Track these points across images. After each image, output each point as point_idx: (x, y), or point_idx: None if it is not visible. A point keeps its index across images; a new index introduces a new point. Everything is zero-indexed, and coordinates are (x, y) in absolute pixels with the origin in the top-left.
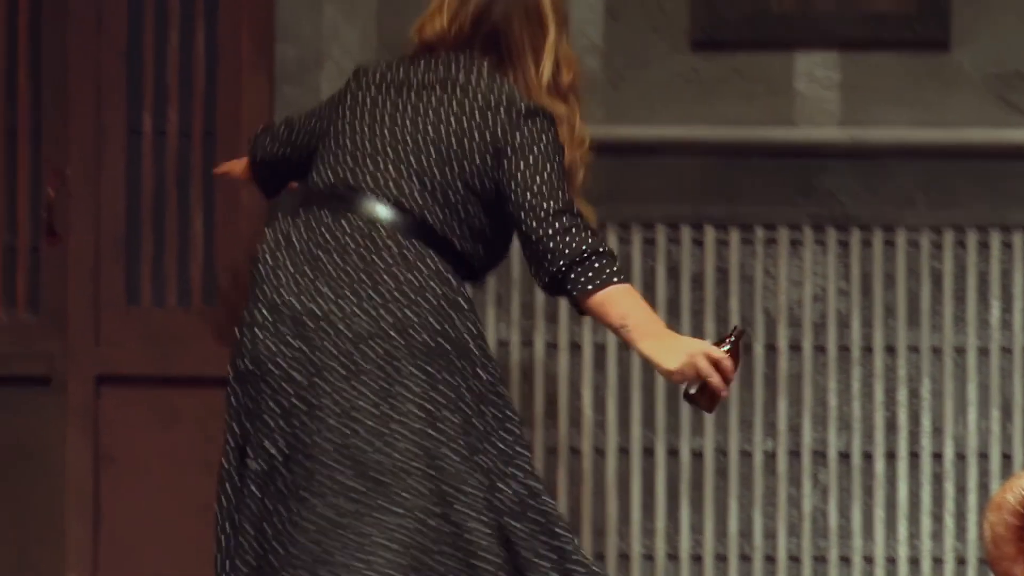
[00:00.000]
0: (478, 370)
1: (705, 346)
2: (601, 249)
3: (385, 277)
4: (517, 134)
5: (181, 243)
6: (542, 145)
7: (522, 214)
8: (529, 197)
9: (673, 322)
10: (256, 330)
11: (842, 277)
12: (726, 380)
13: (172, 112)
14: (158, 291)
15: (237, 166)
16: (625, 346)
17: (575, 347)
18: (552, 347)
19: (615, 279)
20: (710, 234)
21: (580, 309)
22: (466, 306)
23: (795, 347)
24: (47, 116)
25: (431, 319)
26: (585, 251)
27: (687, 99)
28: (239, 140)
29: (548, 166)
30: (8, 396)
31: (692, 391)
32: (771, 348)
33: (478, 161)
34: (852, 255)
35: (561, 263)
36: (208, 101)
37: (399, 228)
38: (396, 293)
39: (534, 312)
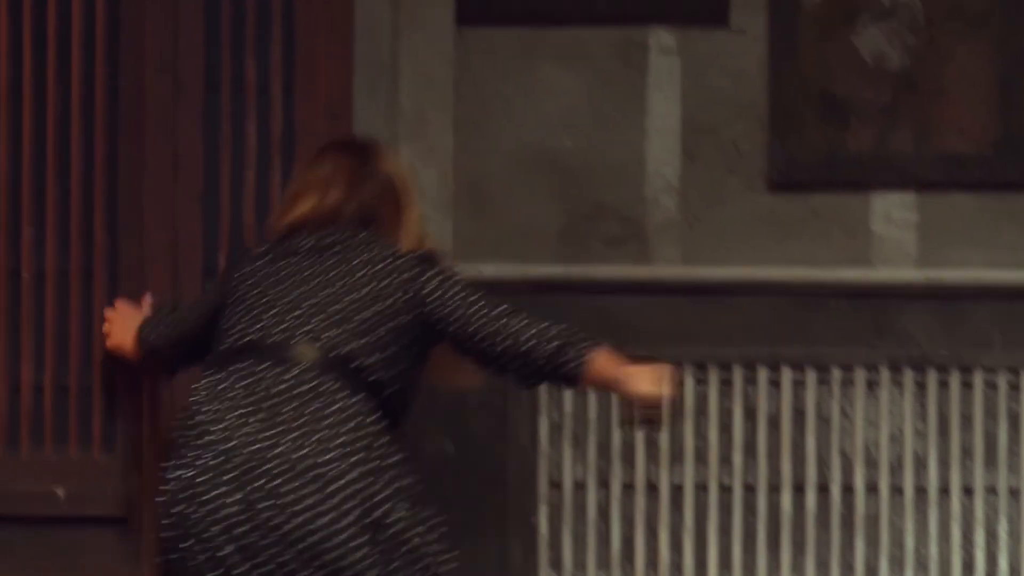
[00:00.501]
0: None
1: (654, 378)
2: (567, 328)
3: (344, 428)
4: (429, 273)
5: None
6: (456, 277)
7: (479, 332)
8: (477, 314)
9: (750, 462)
10: (206, 478)
11: (919, 418)
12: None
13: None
14: None
15: (126, 343)
16: (703, 486)
17: (652, 488)
18: (628, 488)
19: (594, 344)
20: (786, 375)
21: (574, 384)
22: (402, 459)
23: (872, 488)
24: (124, 259)
25: (388, 472)
26: (563, 333)
27: (763, 239)
28: None
29: (471, 288)
30: (83, 536)
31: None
32: (848, 489)
33: (398, 297)
34: (929, 396)
35: (550, 347)
36: None
37: (341, 377)
38: (357, 443)
39: (610, 453)
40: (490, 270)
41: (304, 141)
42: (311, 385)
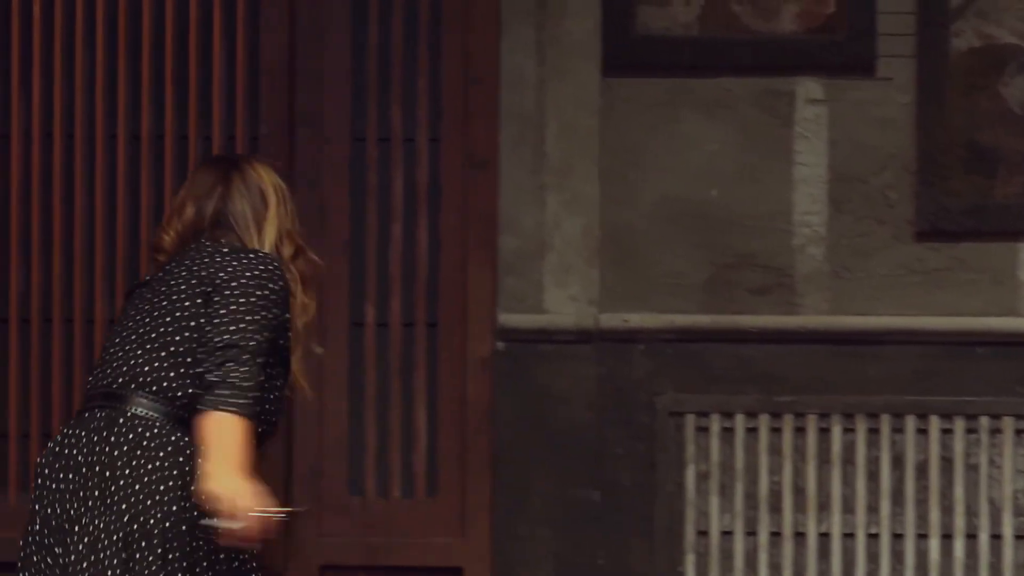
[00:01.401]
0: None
1: (248, 496)
2: (231, 379)
3: (139, 473)
4: (225, 271)
5: (404, 434)
6: (245, 279)
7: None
8: (209, 329)
9: (897, 511)
10: (30, 551)
11: None
12: (245, 537)
13: (395, 303)
14: (382, 482)
15: None
16: (850, 534)
17: (799, 536)
18: (776, 536)
19: (222, 407)
20: (934, 423)
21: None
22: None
23: (1020, 536)
24: None
25: (173, 507)
26: (217, 378)
27: (910, 289)
28: (463, 330)
29: (243, 300)
30: None
31: (216, 522)
32: (996, 537)
33: (193, 304)
34: None
35: (201, 385)
36: (430, 292)
37: (159, 416)
38: (146, 490)
39: (757, 501)
40: (635, 319)
41: (450, 192)
42: (141, 433)
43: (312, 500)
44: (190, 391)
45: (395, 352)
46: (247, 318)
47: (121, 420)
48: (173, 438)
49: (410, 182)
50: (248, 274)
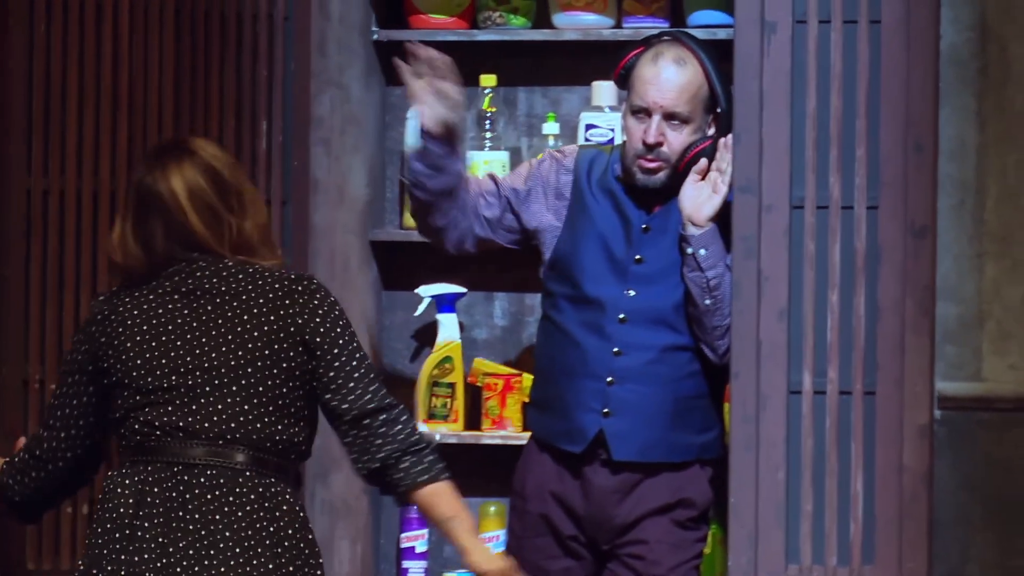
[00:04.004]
0: None
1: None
2: (429, 442)
3: (249, 532)
4: (316, 319)
5: (841, 502)
6: (342, 328)
7: (343, 410)
8: (349, 392)
9: None
10: None
11: None
12: None
13: (832, 371)
14: (818, 550)
15: None
16: None
17: None
18: None
19: (444, 475)
20: None
21: (403, 500)
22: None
23: None
24: None
25: (292, 567)
26: (415, 442)
27: None
28: (900, 398)
29: (359, 355)
30: None
31: None
32: None
33: (297, 355)
34: None
35: (391, 451)
36: (868, 360)
37: (250, 467)
38: (260, 547)
39: None
40: None
41: (888, 259)
42: (237, 489)
43: (749, 567)
44: (289, 440)
45: (832, 420)
46: (372, 374)
47: (240, 480)
48: (288, 496)
49: (848, 249)
50: (341, 320)
